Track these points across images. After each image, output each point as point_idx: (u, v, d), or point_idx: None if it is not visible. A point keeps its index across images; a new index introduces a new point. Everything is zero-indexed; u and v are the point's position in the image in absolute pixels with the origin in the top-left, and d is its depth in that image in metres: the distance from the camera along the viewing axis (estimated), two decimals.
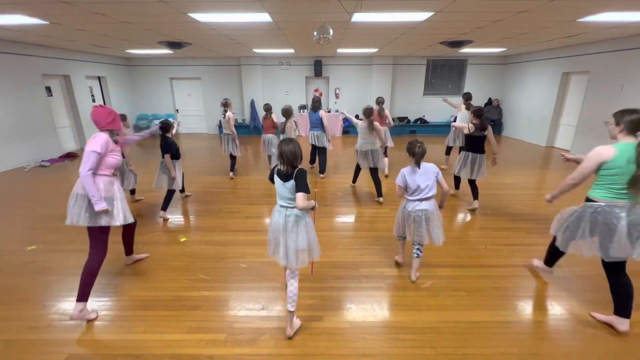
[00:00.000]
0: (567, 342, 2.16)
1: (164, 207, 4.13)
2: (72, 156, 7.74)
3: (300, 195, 1.98)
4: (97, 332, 2.26)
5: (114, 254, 3.29)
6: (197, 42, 6.95)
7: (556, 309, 2.49)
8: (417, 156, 2.55)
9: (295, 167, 2.04)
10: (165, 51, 8.50)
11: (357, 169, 5.28)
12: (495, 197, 4.89)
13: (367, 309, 2.48)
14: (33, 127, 7.10)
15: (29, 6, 3.90)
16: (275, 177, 2.12)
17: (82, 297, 2.33)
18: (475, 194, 4.34)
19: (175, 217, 4.27)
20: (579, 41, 7.05)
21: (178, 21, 4.80)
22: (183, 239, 3.62)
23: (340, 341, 2.17)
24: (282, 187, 2.07)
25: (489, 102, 10.88)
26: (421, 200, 2.61)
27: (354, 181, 5.41)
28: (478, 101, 10.95)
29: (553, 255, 2.71)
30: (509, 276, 2.91)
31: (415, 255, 2.77)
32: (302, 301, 2.56)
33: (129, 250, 3.08)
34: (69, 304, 2.53)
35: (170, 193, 4.13)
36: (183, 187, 4.70)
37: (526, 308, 2.51)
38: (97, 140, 2.33)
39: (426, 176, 2.58)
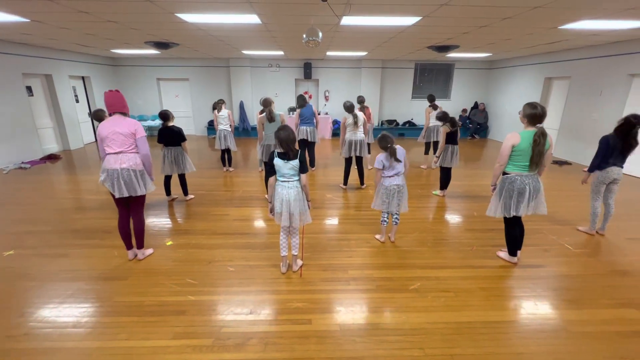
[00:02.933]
0: (551, 341, 2.21)
1: (185, 191, 4.82)
2: (53, 158, 7.50)
3: (304, 176, 2.70)
4: (78, 339, 2.18)
5: (96, 258, 3.20)
6: (185, 42, 6.87)
7: (540, 308, 2.54)
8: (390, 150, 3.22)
9: (293, 149, 2.61)
10: (152, 51, 8.37)
11: (347, 170, 5.33)
12: (482, 199, 4.98)
13: (355, 312, 2.47)
14: (12, 127, 6.85)
15: (8, 3, 3.78)
16: (277, 159, 2.63)
17: (142, 244, 3.17)
18: (447, 183, 5.03)
19: (161, 220, 4.18)
20: (561, 48, 7.29)
21: (165, 21, 4.73)
22: (169, 243, 3.55)
23: (329, 344, 2.16)
24: (285, 165, 2.63)
25: (475, 105, 11.11)
26: (397, 175, 3.30)
27: (345, 183, 5.43)
28: (465, 105, 11.19)
29: (510, 243, 3.12)
30: (495, 277, 2.96)
31: (394, 223, 3.50)
32: (290, 304, 2.55)
33: (140, 244, 3.17)
34: (49, 311, 2.44)
35: (183, 177, 4.73)
36: (186, 190, 4.89)
37: (512, 308, 2.55)
38: (140, 126, 2.85)
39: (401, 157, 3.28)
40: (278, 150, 2.65)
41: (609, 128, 3.73)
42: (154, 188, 3.07)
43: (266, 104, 4.85)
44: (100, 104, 9.53)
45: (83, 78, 9.27)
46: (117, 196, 2.85)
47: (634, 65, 6.14)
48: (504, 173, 2.90)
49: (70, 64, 8.47)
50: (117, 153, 2.79)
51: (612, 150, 3.39)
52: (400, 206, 3.35)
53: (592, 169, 3.57)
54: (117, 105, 2.80)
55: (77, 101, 9.02)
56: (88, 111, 9.51)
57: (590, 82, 7.09)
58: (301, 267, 3.04)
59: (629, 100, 6.37)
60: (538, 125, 2.73)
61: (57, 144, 8.38)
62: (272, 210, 2.80)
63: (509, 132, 2.84)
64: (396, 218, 3.48)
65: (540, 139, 2.66)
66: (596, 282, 2.88)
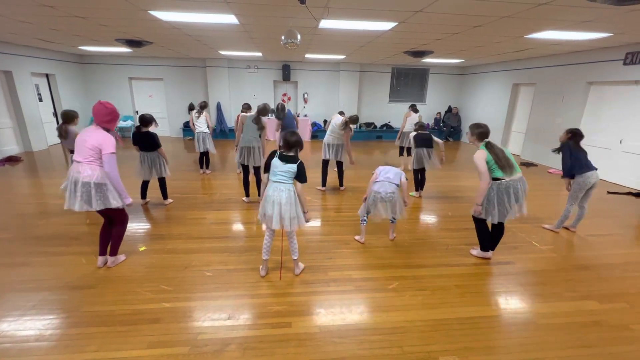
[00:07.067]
0: (521, 333, 2.32)
1: (165, 195, 4.70)
2: (13, 160, 7.01)
3: (300, 185, 2.70)
4: (41, 354, 2.04)
5: (62, 266, 3.02)
6: (159, 41, 6.65)
7: (511, 303, 2.67)
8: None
9: (296, 153, 2.68)
10: (124, 49, 8.04)
11: (325, 172, 5.35)
12: (455, 200, 5.16)
13: (335, 313, 2.48)
14: None
15: None
16: (276, 159, 2.65)
17: (115, 252, 3.04)
18: (422, 184, 5.23)
19: (134, 225, 4.00)
20: (527, 56, 7.71)
21: (138, 18, 4.56)
22: (142, 248, 3.41)
23: (310, 346, 2.15)
24: (282, 167, 2.63)
25: (449, 109, 11.51)
26: (388, 182, 3.39)
27: (324, 184, 5.45)
28: (439, 108, 11.57)
29: (481, 238, 3.26)
30: (469, 274, 3.08)
31: (392, 221, 3.61)
32: (270, 308, 2.52)
33: (114, 251, 3.04)
34: (7, 324, 2.27)
35: (163, 180, 4.64)
36: (166, 194, 4.77)
37: (484, 303, 2.66)
38: (111, 142, 2.68)
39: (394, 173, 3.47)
40: (283, 152, 2.67)
41: None
42: (116, 205, 2.75)
43: (264, 112, 4.63)
44: (66, 103, 9.03)
45: (47, 75, 8.75)
46: (64, 207, 2.71)
47: (591, 74, 6.61)
48: (495, 179, 2.93)
49: (32, 60, 7.96)
50: (78, 162, 2.70)
51: (579, 158, 3.62)
52: (394, 213, 3.44)
53: (566, 173, 3.74)
54: (97, 116, 2.74)
55: (41, 100, 8.49)
56: (53, 111, 8.98)
57: (553, 89, 7.55)
58: (302, 269, 3.04)
59: (587, 106, 6.85)
60: (486, 140, 2.99)
61: (18, 145, 7.84)
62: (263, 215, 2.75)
63: (477, 152, 2.97)
64: (393, 218, 3.56)
65: (491, 144, 2.95)
66: (560, 277, 3.06)
